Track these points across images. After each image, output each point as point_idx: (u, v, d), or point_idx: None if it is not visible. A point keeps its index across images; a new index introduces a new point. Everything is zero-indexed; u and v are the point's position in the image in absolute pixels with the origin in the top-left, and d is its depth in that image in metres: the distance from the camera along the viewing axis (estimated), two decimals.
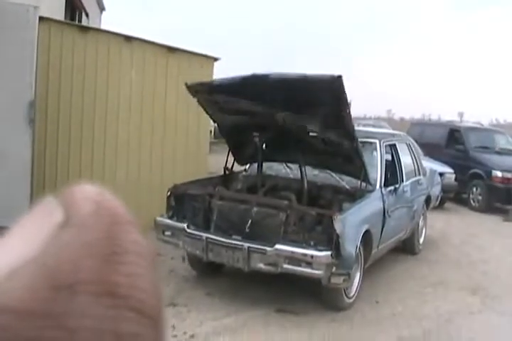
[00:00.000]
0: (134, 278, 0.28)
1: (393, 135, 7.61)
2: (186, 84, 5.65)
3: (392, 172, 6.58)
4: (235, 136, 6.22)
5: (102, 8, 16.26)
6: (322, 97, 5.02)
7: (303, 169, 5.87)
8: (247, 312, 5.37)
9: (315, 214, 5.11)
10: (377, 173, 6.07)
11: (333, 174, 6.16)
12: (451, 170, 11.53)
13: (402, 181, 6.69)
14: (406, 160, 7.09)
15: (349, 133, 5.29)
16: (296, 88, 5.03)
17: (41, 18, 6.28)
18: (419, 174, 7.53)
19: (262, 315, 5.35)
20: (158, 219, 5.65)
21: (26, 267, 0.27)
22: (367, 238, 5.60)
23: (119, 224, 0.29)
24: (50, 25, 6.55)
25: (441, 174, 9.93)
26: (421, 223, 7.71)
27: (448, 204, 11.79)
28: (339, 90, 4.84)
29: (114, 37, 6.92)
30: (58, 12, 9.91)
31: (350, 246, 5.13)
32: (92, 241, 0.28)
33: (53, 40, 6.58)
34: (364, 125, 17.27)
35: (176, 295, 5.64)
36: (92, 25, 13.30)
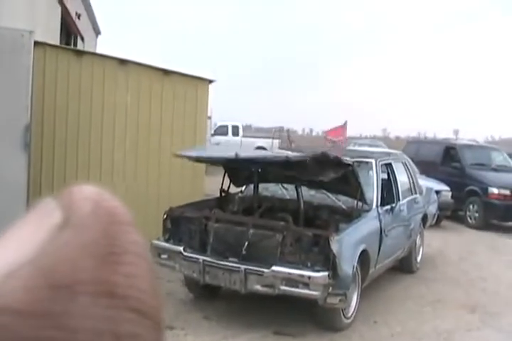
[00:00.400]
0: (132, 279, 0.28)
1: (389, 154, 7.64)
2: (175, 154, 5.66)
3: (389, 191, 6.59)
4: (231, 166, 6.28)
5: (97, 32, 16.39)
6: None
7: (299, 190, 5.88)
8: (245, 335, 5.33)
9: (311, 235, 5.11)
10: (373, 193, 6.09)
11: (330, 194, 6.17)
12: (447, 188, 11.54)
13: (399, 200, 6.70)
14: (402, 178, 7.11)
15: (344, 164, 5.36)
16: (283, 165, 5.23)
17: (36, 43, 6.33)
18: (416, 192, 7.55)
19: (259, 337, 5.31)
20: (155, 242, 5.63)
21: (25, 267, 0.27)
22: (364, 258, 5.59)
23: (118, 224, 0.29)
24: (45, 50, 6.60)
25: (437, 192, 9.95)
26: (418, 241, 7.70)
27: (445, 222, 11.78)
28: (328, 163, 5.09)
29: (108, 60, 6.97)
30: (53, 36, 9.99)
31: (347, 266, 5.11)
32: (90, 241, 0.28)
33: (48, 64, 6.62)
34: (360, 144, 17.37)
35: (173, 318, 5.60)
36: (87, 49, 13.42)
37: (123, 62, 7.00)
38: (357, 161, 6.36)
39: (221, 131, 21.57)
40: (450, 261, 8.62)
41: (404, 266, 7.51)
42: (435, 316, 6.18)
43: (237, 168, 6.16)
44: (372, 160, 6.40)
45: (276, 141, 20.70)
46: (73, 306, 0.26)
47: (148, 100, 7.18)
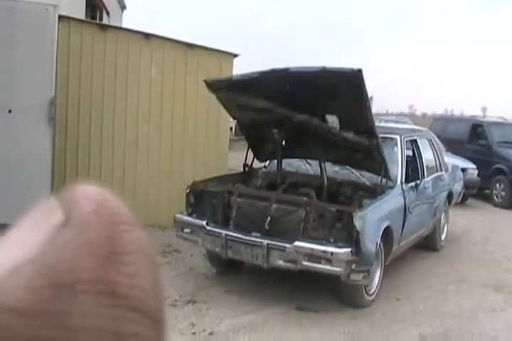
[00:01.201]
0: (134, 278, 0.28)
1: (414, 130, 7.53)
2: (205, 80, 5.64)
3: (413, 168, 6.51)
4: (254, 133, 6.21)
5: (123, 7, 16.34)
6: (342, 91, 4.99)
7: (323, 165, 5.84)
8: (267, 309, 5.35)
9: (335, 211, 5.07)
10: (397, 169, 6.01)
11: (354, 170, 6.11)
12: (473, 166, 11.37)
13: (424, 177, 6.61)
14: (427, 155, 7.01)
15: (369, 129, 5.24)
16: (315, 82, 5.00)
17: (60, 17, 6.33)
18: (441, 170, 7.44)
19: (281, 312, 5.32)
20: (178, 216, 5.65)
21: (26, 266, 0.26)
22: (387, 234, 5.55)
23: (120, 223, 0.29)
24: (70, 24, 6.60)
25: (463, 170, 9.82)
26: (443, 219, 7.62)
27: (471, 201, 11.65)
28: (359, 84, 4.80)
29: (133, 34, 6.94)
30: (78, 11, 9.97)
31: (371, 242, 5.08)
32: (92, 240, 0.28)
33: (73, 39, 6.63)
34: (386, 121, 17.17)
35: (195, 292, 5.65)
36: (112, 23, 13.39)
37: (147, 36, 6.96)
38: (382, 137, 6.29)
39: None
40: (475, 240, 8.53)
41: (429, 244, 7.45)
42: (459, 295, 6.14)
43: (261, 140, 6.09)
44: (397, 136, 6.30)
45: None
46: (74, 305, 0.26)
47: (172, 74, 7.15)
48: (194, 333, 4.78)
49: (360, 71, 4.73)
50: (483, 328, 5.36)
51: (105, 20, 12.82)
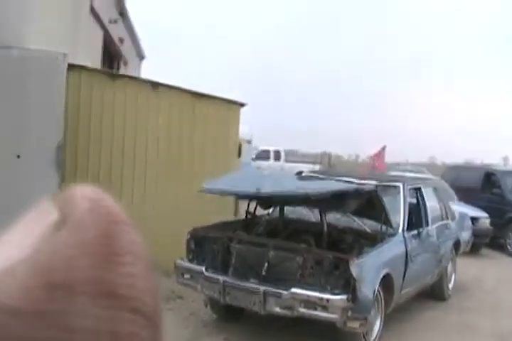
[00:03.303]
0: (131, 278, 0.28)
1: (420, 179, 7.55)
2: (200, 190, 5.69)
3: (417, 216, 6.50)
4: None
5: (141, 57, 16.80)
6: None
7: (323, 214, 5.87)
8: None
9: (332, 258, 5.07)
10: (399, 217, 6.02)
11: (355, 218, 6.12)
12: (485, 215, 11.25)
13: (427, 225, 6.59)
14: (432, 204, 7.00)
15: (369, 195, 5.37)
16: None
17: (72, 66, 6.57)
18: (447, 218, 7.41)
19: None
20: (178, 262, 5.69)
21: (22, 266, 0.26)
22: (387, 282, 5.51)
23: (116, 223, 0.29)
24: (81, 72, 6.83)
25: (475, 219, 9.73)
26: (450, 268, 7.52)
27: (484, 251, 11.47)
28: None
29: (141, 83, 7.16)
30: (94, 61, 10.31)
31: (368, 289, 5.05)
32: (88, 240, 0.28)
33: (84, 86, 6.85)
34: (402, 170, 17.18)
35: (193, 339, 5.61)
36: (130, 73, 13.79)
37: (155, 85, 7.17)
38: (384, 185, 6.34)
39: (263, 155, 21.43)
40: (485, 290, 8.38)
41: (435, 293, 7.35)
42: None
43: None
44: (400, 184, 6.33)
45: (318, 166, 20.53)
46: (71, 306, 0.26)
47: (179, 123, 7.31)
48: None
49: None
50: None
51: (122, 70, 13.20)
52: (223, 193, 5.75)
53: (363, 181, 6.27)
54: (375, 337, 5.59)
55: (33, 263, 0.26)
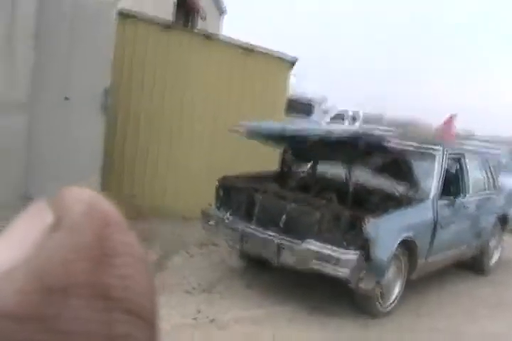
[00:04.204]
0: (126, 280, 0.28)
1: (465, 148, 7.28)
2: (230, 130, 5.85)
3: (455, 184, 6.31)
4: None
5: (222, 12, 16.82)
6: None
7: (349, 172, 5.83)
8: (278, 307, 5.40)
9: (348, 216, 5.06)
10: (432, 183, 5.86)
11: (388, 180, 6.02)
12: None
13: (465, 195, 6.38)
14: (476, 174, 6.74)
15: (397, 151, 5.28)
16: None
17: (127, 15, 6.80)
18: (493, 191, 7.12)
19: (291, 311, 5.35)
20: (204, 208, 5.85)
21: (17, 270, 0.26)
22: (410, 247, 5.44)
23: (110, 225, 0.29)
24: (137, 22, 7.02)
25: None
26: (492, 243, 7.27)
27: None
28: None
29: (195, 35, 7.27)
30: (166, 13, 10.48)
31: (383, 252, 5.01)
32: (83, 243, 0.28)
33: (139, 36, 7.04)
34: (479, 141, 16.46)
35: (216, 283, 5.79)
36: (209, 28, 13.91)
37: (208, 37, 7.25)
38: (422, 150, 6.18)
39: (339, 116, 19.61)
40: None
41: (475, 267, 7.15)
42: (488, 318, 5.86)
43: (294, 147, 6.22)
44: (438, 150, 6.14)
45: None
46: (67, 309, 0.26)
47: (229, 75, 7.38)
48: (195, 318, 4.92)
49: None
50: None
51: (201, 25, 13.31)
52: (250, 133, 5.77)
53: (402, 142, 6.14)
54: (392, 302, 5.56)
55: (28, 268, 0.26)
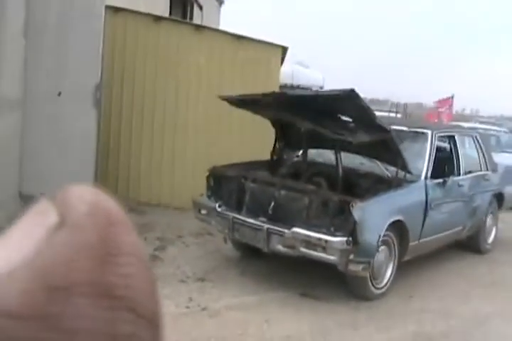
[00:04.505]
0: (129, 279, 0.28)
1: (456, 127, 7.28)
2: (220, 96, 5.78)
3: (448, 165, 6.33)
4: (282, 127, 6.36)
5: (220, 2, 16.79)
6: (342, 108, 5.15)
7: (338, 156, 5.86)
8: (270, 293, 5.48)
9: (337, 201, 5.11)
10: (423, 164, 5.89)
11: (379, 163, 6.06)
12: None
13: (458, 174, 6.40)
14: (469, 154, 6.76)
15: (379, 128, 5.23)
16: (315, 103, 5.25)
17: (118, 9, 6.85)
18: (486, 169, 7.13)
19: (284, 297, 5.43)
20: (195, 198, 5.93)
21: (21, 269, 0.26)
22: (400, 229, 5.48)
23: (114, 225, 0.29)
24: (127, 15, 7.08)
25: None
26: (489, 221, 7.28)
27: None
28: (355, 100, 4.87)
29: (184, 26, 7.31)
30: (161, 5, 10.50)
31: (371, 234, 5.06)
32: (86, 242, 0.28)
33: (129, 29, 7.11)
34: (480, 122, 16.44)
35: (209, 271, 5.88)
36: (207, 19, 13.91)
37: (198, 28, 7.30)
38: (412, 131, 6.21)
39: None
40: None
41: (471, 246, 7.18)
42: (482, 298, 5.90)
43: (289, 133, 6.24)
44: (428, 131, 6.15)
45: (396, 115, 19.91)
46: (70, 308, 0.26)
47: (220, 64, 7.43)
48: (188, 307, 5.01)
49: (353, 91, 4.80)
50: (491, 333, 5.15)
51: (197, 16, 13.31)
52: (238, 101, 5.75)
53: (392, 126, 6.17)
54: (386, 283, 5.62)
55: (33, 267, 0.27)
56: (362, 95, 5.12)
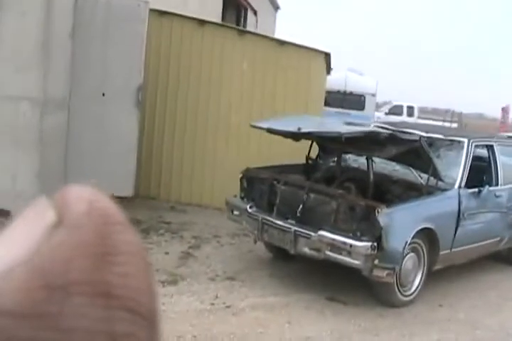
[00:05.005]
0: (127, 278, 0.28)
1: (496, 137, 7.14)
2: (251, 125, 5.92)
3: (484, 174, 6.24)
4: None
5: (276, 7, 16.92)
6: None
7: (370, 162, 5.87)
8: (297, 295, 5.54)
9: (364, 206, 5.14)
10: (458, 173, 5.84)
11: (413, 170, 6.04)
12: None
13: (496, 185, 6.29)
14: (509, 164, 6.62)
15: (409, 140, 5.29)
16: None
17: (164, 12, 7.09)
18: None
19: (309, 299, 5.47)
20: (228, 198, 6.06)
21: (19, 268, 0.26)
22: (431, 237, 5.45)
23: (112, 224, 0.29)
24: (172, 19, 7.30)
25: None
26: None
27: None
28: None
29: (229, 31, 7.47)
30: (213, 9, 10.72)
31: (397, 240, 5.06)
32: (84, 241, 0.28)
33: (174, 32, 7.33)
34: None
35: (239, 271, 5.99)
36: (261, 24, 14.07)
37: (241, 32, 7.44)
38: (448, 140, 6.16)
39: (396, 110, 21.11)
40: None
41: (510, 259, 7.03)
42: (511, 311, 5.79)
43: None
44: (465, 140, 6.09)
45: (453, 125, 19.73)
46: (68, 307, 0.26)
47: (262, 69, 7.54)
48: (212, 304, 5.13)
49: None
50: None
51: (251, 20, 13.49)
52: (270, 130, 5.86)
53: (427, 134, 6.15)
54: (414, 291, 5.59)
55: (31, 266, 0.27)
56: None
